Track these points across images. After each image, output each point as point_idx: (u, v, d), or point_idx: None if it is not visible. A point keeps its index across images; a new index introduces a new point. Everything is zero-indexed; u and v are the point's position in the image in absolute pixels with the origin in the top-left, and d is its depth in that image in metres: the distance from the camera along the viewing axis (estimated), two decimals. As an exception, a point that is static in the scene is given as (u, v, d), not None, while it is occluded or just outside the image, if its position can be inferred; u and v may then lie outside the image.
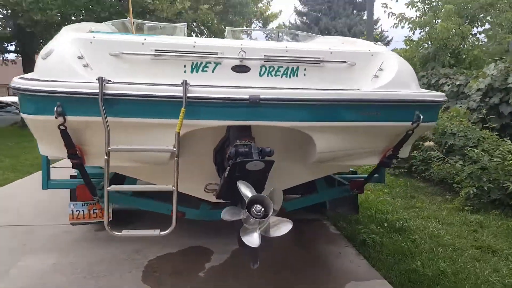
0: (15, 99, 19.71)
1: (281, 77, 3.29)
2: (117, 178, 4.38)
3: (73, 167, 3.13)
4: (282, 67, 3.71)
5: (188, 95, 2.67)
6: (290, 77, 3.31)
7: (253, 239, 2.64)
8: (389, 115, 3.03)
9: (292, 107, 2.90)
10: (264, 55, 3.42)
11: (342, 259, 4.34)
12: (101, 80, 2.59)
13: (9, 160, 9.93)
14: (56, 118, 2.60)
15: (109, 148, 2.70)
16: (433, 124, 3.37)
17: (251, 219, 2.64)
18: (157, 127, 2.81)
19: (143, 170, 3.56)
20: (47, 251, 4.32)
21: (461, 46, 11.63)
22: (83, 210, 4.24)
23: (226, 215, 2.81)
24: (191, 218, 4.15)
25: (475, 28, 12.21)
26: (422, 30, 12.31)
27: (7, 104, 19.95)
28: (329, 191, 4.60)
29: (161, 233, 3.02)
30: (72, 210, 4.23)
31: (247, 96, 2.75)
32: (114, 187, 2.89)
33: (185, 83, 2.67)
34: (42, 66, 3.00)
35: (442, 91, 10.11)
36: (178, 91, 2.68)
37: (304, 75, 3.43)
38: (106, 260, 4.14)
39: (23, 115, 2.86)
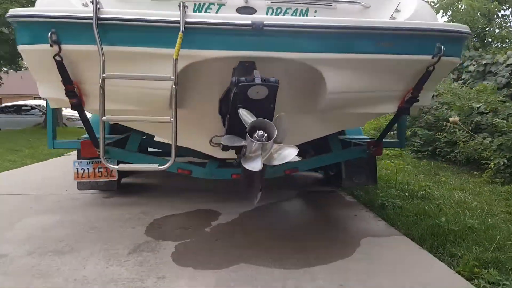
0: (38, 102, 20.27)
1: None
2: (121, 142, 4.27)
3: (72, 108, 2.99)
4: (290, 8, 3.52)
5: (187, 19, 2.47)
6: None
7: (255, 164, 2.44)
8: (407, 47, 2.71)
9: (299, 35, 2.62)
10: None
11: (358, 220, 4.05)
12: (95, 2, 2.45)
13: (28, 151, 10.05)
14: (51, 46, 2.47)
15: (104, 75, 2.54)
16: (457, 60, 3.01)
17: (254, 144, 2.44)
18: (155, 58, 2.61)
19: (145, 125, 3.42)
20: (52, 212, 4.20)
21: (488, 29, 11.14)
22: (87, 169, 4.12)
23: (226, 141, 2.61)
24: (197, 177, 3.97)
25: (502, 11, 11.70)
26: (443, 14, 11.91)
27: (31, 107, 20.46)
28: (344, 152, 4.33)
29: (159, 167, 2.85)
30: (77, 169, 4.12)
31: (249, 22, 2.51)
32: (109, 117, 2.71)
33: (182, 5, 2.47)
34: (41, 2, 2.96)
35: (468, 72, 9.71)
36: (175, 16, 2.48)
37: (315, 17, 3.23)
38: (111, 219, 3.98)
39: (20, 48, 2.76)
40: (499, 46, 10.78)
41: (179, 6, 2.47)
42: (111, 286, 2.55)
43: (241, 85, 2.45)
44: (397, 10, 3.54)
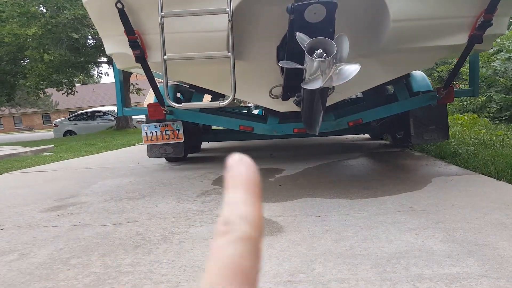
0: (110, 108, 21.73)
1: None
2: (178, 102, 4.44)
3: (136, 60, 3.13)
4: None
5: None
6: None
7: (315, 83, 2.40)
8: None
9: None
10: None
11: (430, 167, 3.86)
12: None
13: (103, 144, 10.77)
14: None
15: (162, 13, 2.65)
16: None
17: (314, 63, 2.39)
18: None
19: (203, 73, 3.49)
20: (125, 176, 4.48)
21: None
22: (156, 131, 4.32)
23: (284, 63, 2.60)
24: (259, 133, 4.01)
25: None
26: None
27: (104, 113, 21.87)
28: (413, 100, 4.07)
29: (221, 103, 2.92)
30: (146, 132, 4.33)
31: None
32: (170, 55, 2.81)
33: None
34: None
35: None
36: None
37: None
38: (180, 176, 4.16)
39: (84, 2, 2.97)
40: None
41: None
42: (182, 215, 2.66)
43: (297, 5, 2.42)
44: None
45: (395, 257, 1.74)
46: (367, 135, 7.01)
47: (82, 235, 2.36)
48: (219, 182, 3.74)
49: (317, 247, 1.95)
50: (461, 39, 2.92)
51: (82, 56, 15.64)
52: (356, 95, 5.83)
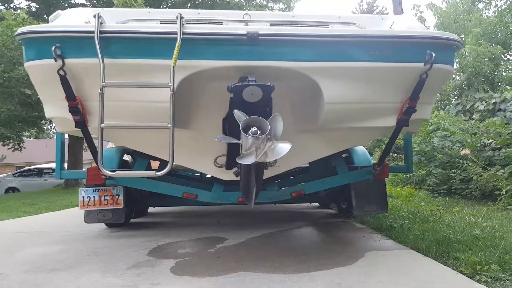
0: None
1: None
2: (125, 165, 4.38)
3: (76, 125, 3.10)
4: None
5: (184, 30, 2.65)
6: None
7: (249, 158, 2.46)
8: (399, 54, 2.80)
9: (293, 44, 2.75)
10: (270, 20, 3.41)
11: (366, 240, 3.94)
12: (97, 15, 2.67)
13: (44, 204, 10.18)
14: (55, 60, 2.66)
15: (103, 83, 2.69)
16: (449, 68, 3.04)
17: (248, 140, 2.47)
18: (155, 70, 2.78)
19: (146, 140, 3.48)
20: (55, 243, 4.20)
21: (494, 72, 11.30)
22: (93, 196, 4.18)
23: (221, 138, 2.67)
24: (203, 201, 3.98)
25: (507, 55, 11.93)
26: (451, 62, 12.25)
27: (53, 170, 20.96)
28: (350, 174, 4.25)
29: (157, 173, 2.90)
30: (83, 197, 4.17)
31: (245, 32, 2.66)
32: (108, 124, 2.80)
33: (180, 17, 2.66)
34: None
35: (478, 111, 9.73)
36: (173, 28, 2.67)
37: None
38: (114, 246, 3.97)
39: (26, 65, 2.97)
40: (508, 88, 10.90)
41: (177, 17, 2.66)
42: (105, 291, 2.51)
43: (236, 86, 2.55)
44: (391, 28, 3.71)
45: None
46: (316, 204, 7.12)
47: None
48: (155, 252, 3.60)
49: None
50: (390, 122, 3.14)
51: (35, 111, 15.24)
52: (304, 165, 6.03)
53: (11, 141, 16.80)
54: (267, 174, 3.37)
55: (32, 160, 35.75)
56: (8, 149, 17.68)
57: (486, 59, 11.18)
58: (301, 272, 2.78)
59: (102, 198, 4.19)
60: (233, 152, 2.88)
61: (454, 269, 2.76)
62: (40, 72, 2.93)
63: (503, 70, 12.00)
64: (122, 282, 2.70)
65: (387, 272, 2.74)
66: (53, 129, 21.84)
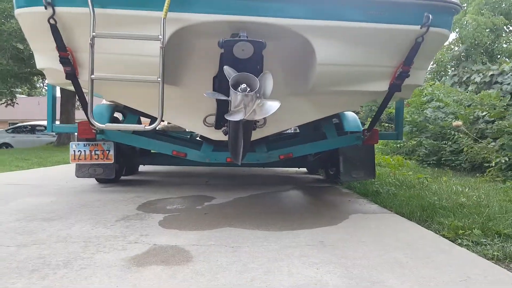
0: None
1: None
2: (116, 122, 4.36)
3: (66, 77, 3.06)
4: None
5: None
6: None
7: (238, 115, 2.47)
8: (395, 15, 2.74)
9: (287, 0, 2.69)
10: None
11: (351, 203, 4.02)
12: None
13: (37, 159, 10.22)
14: (45, 8, 2.59)
15: (93, 33, 2.64)
16: (446, 32, 2.98)
17: (237, 96, 2.47)
18: (146, 23, 2.72)
19: (137, 95, 3.44)
20: (48, 195, 4.26)
21: (495, 44, 11.17)
22: (84, 151, 4.20)
23: (210, 94, 2.67)
24: (192, 159, 4.00)
25: (510, 26, 11.75)
26: (451, 31, 12.08)
27: (46, 127, 20.86)
28: (339, 139, 4.29)
29: (146, 127, 2.91)
30: (74, 150, 4.19)
31: None
32: (98, 75, 2.76)
33: None
34: None
35: (474, 83, 9.71)
36: None
37: None
38: (104, 200, 4.03)
39: (16, 13, 2.89)
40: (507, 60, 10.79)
41: None
42: (93, 240, 2.57)
43: (227, 41, 2.52)
44: None
45: (289, 291, 1.78)
46: (304, 169, 7.20)
47: (-23, 256, 2.21)
48: (144, 207, 3.67)
49: (219, 278, 1.96)
50: (382, 86, 3.13)
51: (28, 67, 15.00)
52: (295, 129, 6.04)
53: (4, 96, 16.60)
54: (256, 135, 3.39)
55: (26, 117, 35.52)
56: (1, 104, 17.48)
57: (487, 30, 11.02)
58: (284, 230, 2.85)
59: (93, 153, 4.22)
60: (223, 110, 2.88)
61: (436, 233, 2.84)
62: (31, 20, 2.87)
63: (504, 42, 11.87)
64: (111, 232, 2.76)
65: (369, 232, 2.82)
66: (45, 86, 21.49)
